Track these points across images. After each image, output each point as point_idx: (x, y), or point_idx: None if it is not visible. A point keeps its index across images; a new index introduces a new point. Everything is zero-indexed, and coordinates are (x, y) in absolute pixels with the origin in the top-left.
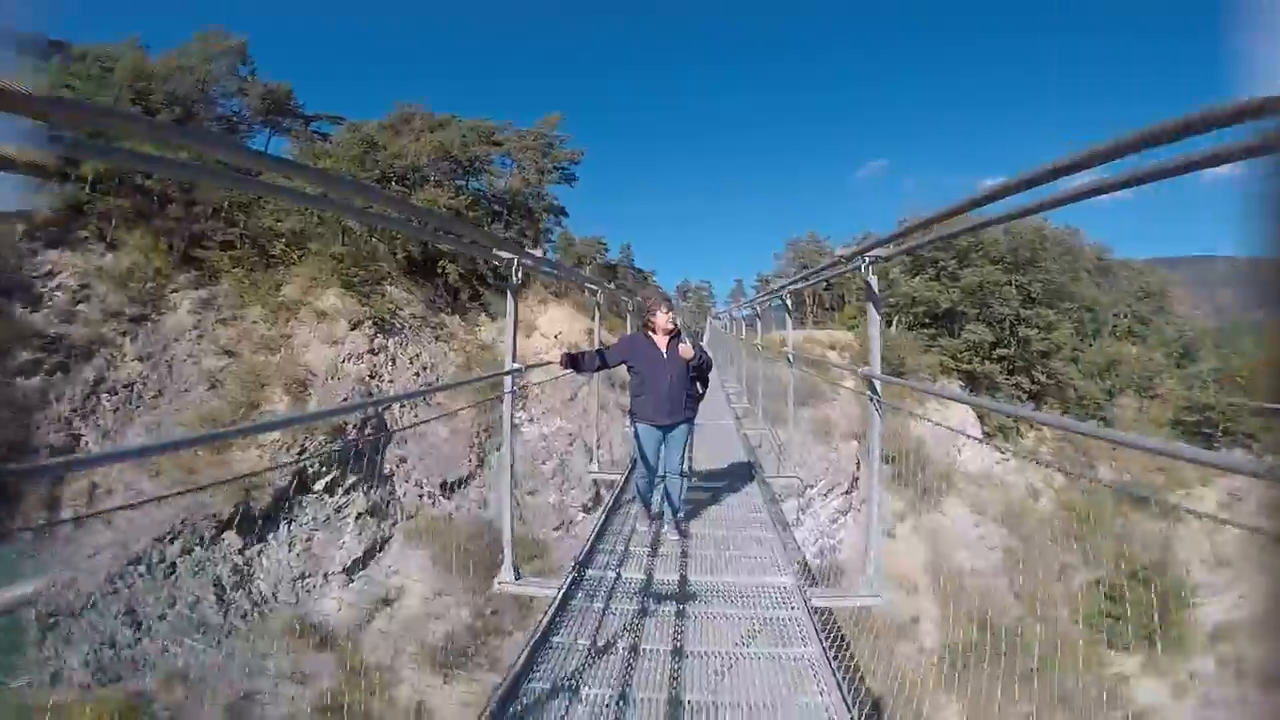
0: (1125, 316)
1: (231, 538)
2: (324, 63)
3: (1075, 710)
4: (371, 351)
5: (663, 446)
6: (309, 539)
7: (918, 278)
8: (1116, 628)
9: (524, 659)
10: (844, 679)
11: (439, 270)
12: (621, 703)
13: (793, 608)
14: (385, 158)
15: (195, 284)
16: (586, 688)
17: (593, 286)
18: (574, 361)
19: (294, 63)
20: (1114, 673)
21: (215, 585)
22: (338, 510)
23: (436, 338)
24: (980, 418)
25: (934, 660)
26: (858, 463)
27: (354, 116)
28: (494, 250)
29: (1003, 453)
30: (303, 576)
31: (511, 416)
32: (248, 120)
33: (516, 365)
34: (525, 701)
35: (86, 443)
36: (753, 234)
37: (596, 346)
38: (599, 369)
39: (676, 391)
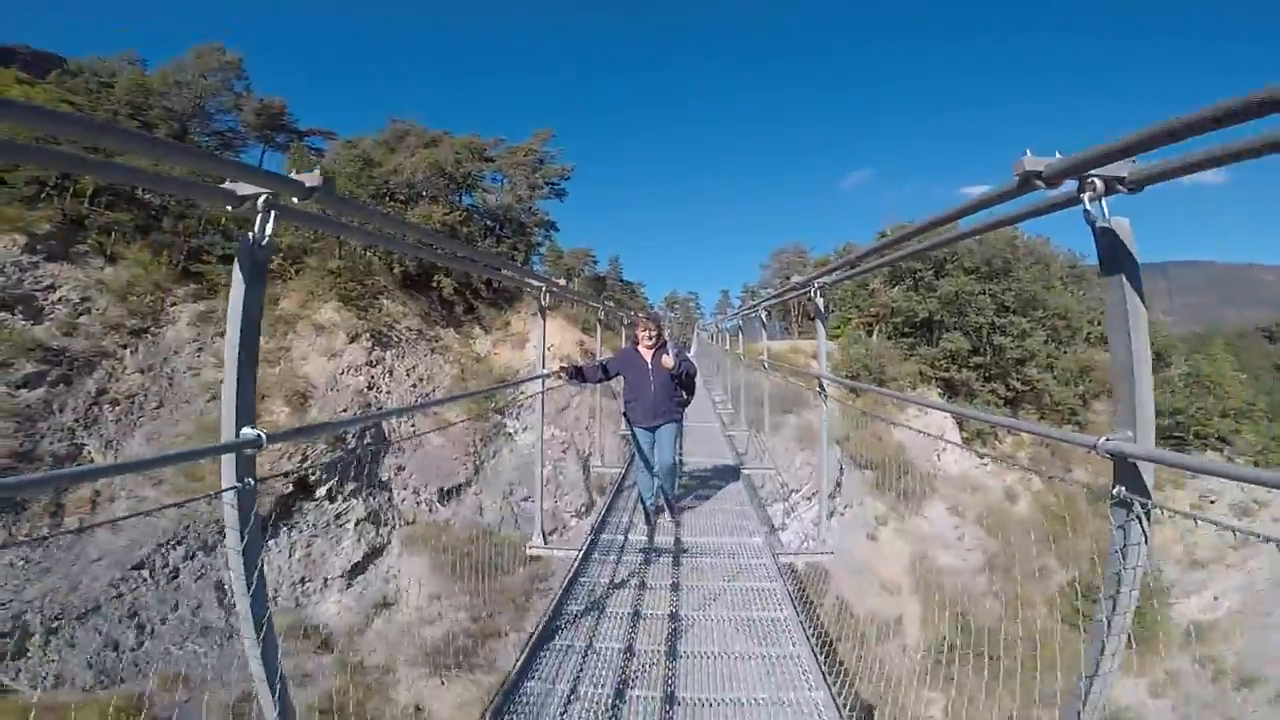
0: (1098, 323)
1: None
2: (316, 74)
3: (1056, 709)
4: (369, 364)
5: (654, 444)
6: (309, 545)
7: (897, 288)
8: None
9: (561, 591)
10: (798, 603)
11: (434, 284)
12: (635, 617)
13: (763, 559)
14: (381, 174)
15: (194, 297)
16: (609, 608)
17: (595, 305)
18: (579, 374)
19: (287, 74)
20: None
21: (217, 589)
22: (337, 517)
23: (432, 350)
24: (959, 423)
25: (918, 658)
26: (840, 468)
27: (346, 131)
28: (527, 280)
29: (980, 457)
30: (303, 581)
31: (543, 411)
32: (242, 135)
33: (546, 371)
34: (565, 619)
35: (89, 452)
36: (739, 245)
37: (599, 359)
38: (601, 381)
39: (660, 397)
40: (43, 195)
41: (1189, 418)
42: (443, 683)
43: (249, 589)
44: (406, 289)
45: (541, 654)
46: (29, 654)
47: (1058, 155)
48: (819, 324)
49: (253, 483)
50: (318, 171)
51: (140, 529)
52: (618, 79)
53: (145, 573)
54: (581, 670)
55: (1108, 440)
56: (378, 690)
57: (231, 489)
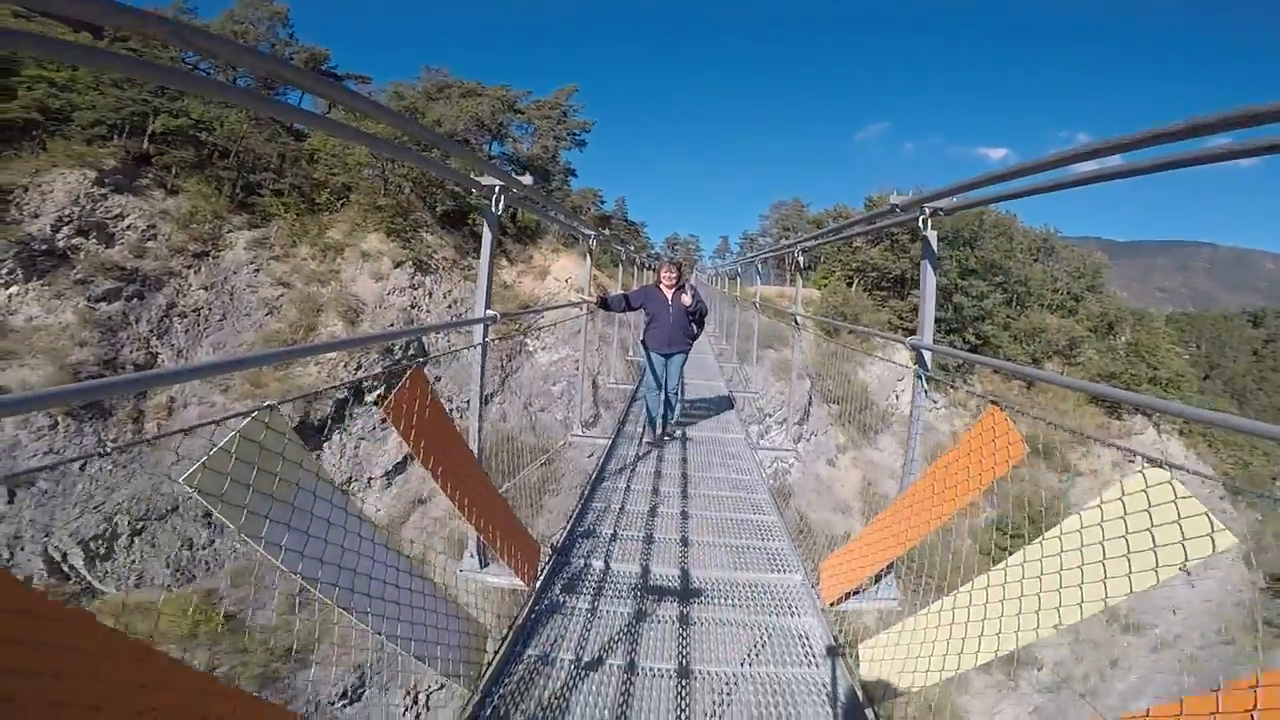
0: (1059, 292)
1: None
2: (352, 18)
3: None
4: (412, 286)
5: (665, 368)
6: (358, 446)
7: (876, 248)
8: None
9: (589, 489)
10: (775, 493)
11: (469, 221)
12: (651, 514)
13: (749, 470)
14: (426, 124)
15: (249, 225)
16: (629, 505)
17: (586, 232)
18: (606, 303)
19: (325, 17)
20: None
21: None
22: (383, 420)
23: (465, 277)
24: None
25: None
26: (810, 399)
27: (379, 76)
28: (581, 229)
29: (934, 401)
30: (350, 480)
31: (585, 333)
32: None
33: (588, 298)
34: (593, 513)
35: (162, 360)
36: (743, 191)
37: (623, 292)
38: (624, 310)
39: (675, 330)
40: (107, 135)
41: (1121, 382)
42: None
43: (478, 418)
44: (444, 224)
45: (590, 504)
46: (115, 556)
47: (910, 193)
48: (798, 276)
49: (485, 343)
50: (528, 175)
51: (216, 432)
52: (626, 12)
53: None
54: (622, 513)
55: (910, 338)
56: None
57: (480, 344)
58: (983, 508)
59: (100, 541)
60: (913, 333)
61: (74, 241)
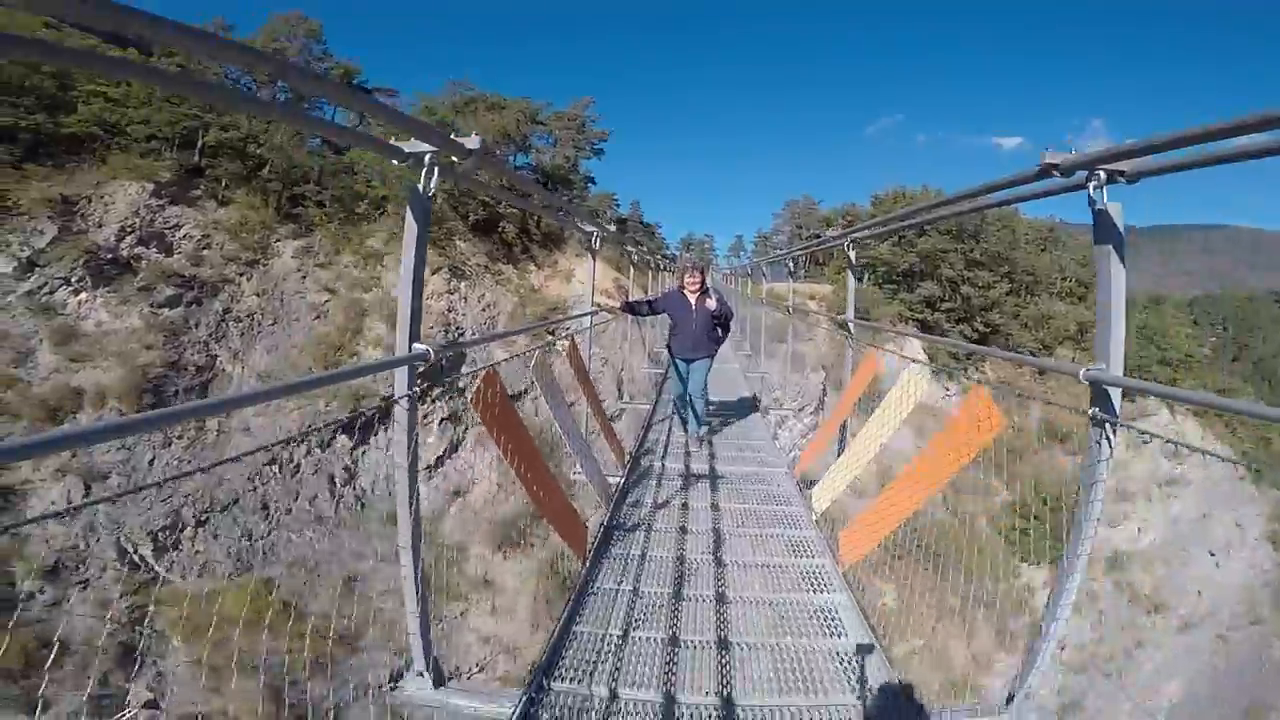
0: (1067, 279)
1: (343, 440)
2: (376, 30)
3: (991, 610)
4: (449, 292)
5: (689, 373)
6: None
7: (885, 243)
8: (1024, 542)
9: (645, 427)
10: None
11: (499, 229)
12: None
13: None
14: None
15: (294, 235)
16: (673, 437)
17: (631, 249)
18: (631, 307)
19: (353, 29)
20: (1022, 582)
21: (330, 481)
22: (424, 416)
23: (496, 282)
24: (930, 358)
25: (875, 553)
26: (824, 389)
27: (404, 87)
28: (626, 245)
29: (946, 389)
30: (392, 475)
31: (627, 327)
32: (318, 97)
33: (613, 303)
34: (650, 442)
35: (220, 362)
36: (757, 187)
37: (647, 296)
38: (648, 314)
39: (700, 335)
40: (161, 149)
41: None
42: (505, 557)
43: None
44: (475, 232)
45: (648, 435)
46: (181, 546)
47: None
48: (789, 277)
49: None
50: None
51: (271, 431)
52: (633, 13)
53: (275, 468)
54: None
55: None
56: (455, 563)
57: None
58: (996, 489)
59: (168, 533)
60: (915, 322)
61: (136, 250)
